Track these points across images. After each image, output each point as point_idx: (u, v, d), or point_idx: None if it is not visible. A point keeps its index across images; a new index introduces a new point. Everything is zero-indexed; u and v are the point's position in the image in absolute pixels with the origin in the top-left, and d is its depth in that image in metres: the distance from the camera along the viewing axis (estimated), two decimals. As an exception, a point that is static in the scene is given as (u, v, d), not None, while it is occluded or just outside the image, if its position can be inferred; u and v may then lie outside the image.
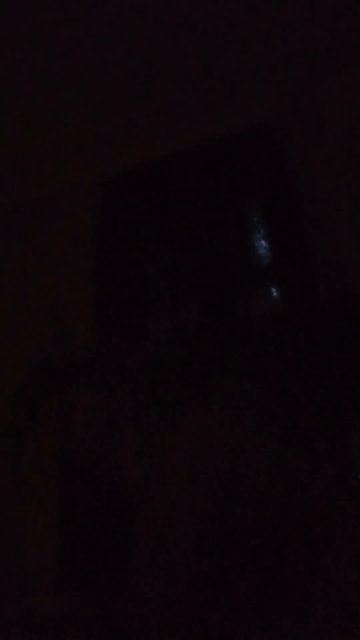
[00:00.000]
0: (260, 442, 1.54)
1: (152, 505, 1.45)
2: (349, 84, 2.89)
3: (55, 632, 1.57)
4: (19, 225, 3.59)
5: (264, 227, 2.94)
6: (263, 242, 2.94)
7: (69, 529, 2.40)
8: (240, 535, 1.28)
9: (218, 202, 3.02)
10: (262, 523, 1.31)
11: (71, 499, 1.99)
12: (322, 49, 2.77)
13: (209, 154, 3.10)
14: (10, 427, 2.21)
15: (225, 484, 1.39)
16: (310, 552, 1.25)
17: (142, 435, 1.81)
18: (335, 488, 1.40)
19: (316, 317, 2.39)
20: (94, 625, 1.53)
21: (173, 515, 1.40)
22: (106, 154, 3.36)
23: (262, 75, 2.90)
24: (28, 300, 3.38)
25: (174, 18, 2.49)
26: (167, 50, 2.66)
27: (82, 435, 1.77)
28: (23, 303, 3.39)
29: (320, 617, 1.13)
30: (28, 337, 3.28)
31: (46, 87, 2.79)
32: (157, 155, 3.26)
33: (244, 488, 1.37)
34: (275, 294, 2.82)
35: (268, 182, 2.91)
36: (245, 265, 2.90)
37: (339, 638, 1.09)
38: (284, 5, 2.49)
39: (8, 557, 2.78)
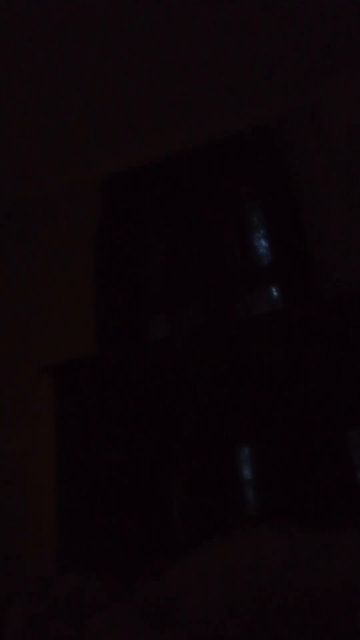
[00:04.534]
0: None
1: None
2: (349, 84, 2.89)
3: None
4: (19, 225, 3.59)
5: (264, 227, 2.94)
6: (263, 242, 2.94)
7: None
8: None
9: (218, 202, 3.02)
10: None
11: None
12: (322, 49, 2.77)
13: (209, 154, 3.10)
14: None
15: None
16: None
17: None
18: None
19: (316, 317, 2.39)
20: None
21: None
22: (106, 154, 3.36)
23: (262, 75, 2.90)
24: (28, 300, 3.38)
25: (174, 18, 2.49)
26: (167, 51, 2.66)
27: None
28: (23, 303, 3.39)
29: None
30: (28, 336, 3.27)
31: (46, 88, 2.79)
32: (157, 155, 3.26)
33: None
34: (275, 293, 2.82)
35: (268, 182, 2.91)
36: (245, 265, 2.90)
37: None
38: (284, 5, 2.49)
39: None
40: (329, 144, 2.90)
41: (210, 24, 2.54)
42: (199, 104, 3.04)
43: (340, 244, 2.73)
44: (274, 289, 2.83)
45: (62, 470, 2.56)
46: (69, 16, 2.42)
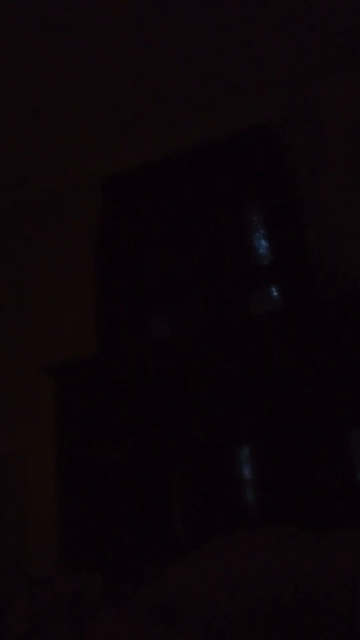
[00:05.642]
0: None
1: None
2: (349, 84, 2.89)
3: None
4: (19, 225, 3.59)
5: (264, 227, 2.94)
6: (263, 242, 2.94)
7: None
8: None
9: (218, 202, 3.02)
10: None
11: None
12: (322, 48, 2.77)
13: (209, 154, 3.10)
14: None
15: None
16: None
17: None
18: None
19: (316, 317, 2.39)
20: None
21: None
22: (106, 153, 3.36)
23: (262, 75, 2.90)
24: (28, 300, 3.38)
25: (174, 18, 2.49)
26: (167, 51, 2.66)
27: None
28: (23, 303, 3.39)
29: None
30: (28, 336, 3.28)
31: (47, 88, 2.79)
32: (157, 155, 3.26)
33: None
34: (275, 293, 2.82)
35: (268, 182, 2.91)
36: (245, 265, 2.90)
37: None
38: (284, 4, 2.49)
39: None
40: (329, 143, 2.90)
41: (210, 24, 2.54)
42: (199, 104, 3.04)
43: (340, 243, 2.73)
44: (274, 289, 2.83)
45: (62, 470, 2.56)
46: (69, 16, 2.42)
